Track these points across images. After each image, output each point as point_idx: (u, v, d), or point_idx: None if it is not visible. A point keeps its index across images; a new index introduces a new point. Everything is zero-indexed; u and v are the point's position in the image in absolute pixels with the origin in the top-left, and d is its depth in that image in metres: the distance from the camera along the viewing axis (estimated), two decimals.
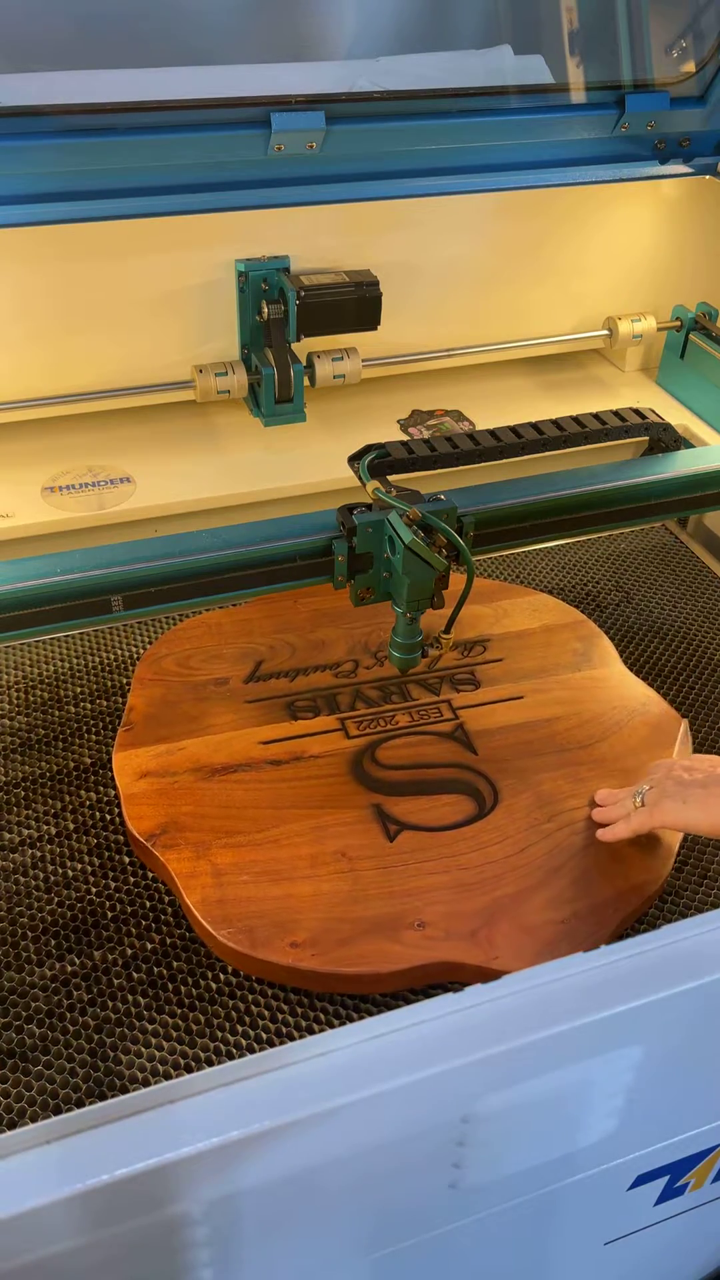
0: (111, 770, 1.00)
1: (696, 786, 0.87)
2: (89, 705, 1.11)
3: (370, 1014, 0.82)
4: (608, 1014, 0.63)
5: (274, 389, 1.35)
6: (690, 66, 1.35)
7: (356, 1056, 0.60)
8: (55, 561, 0.95)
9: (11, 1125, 0.75)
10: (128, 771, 0.98)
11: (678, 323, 1.51)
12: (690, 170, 1.43)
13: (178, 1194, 0.59)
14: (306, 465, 1.35)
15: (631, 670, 1.12)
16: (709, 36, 1.33)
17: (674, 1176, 0.90)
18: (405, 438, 1.13)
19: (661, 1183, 0.90)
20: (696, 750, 1.07)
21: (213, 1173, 0.58)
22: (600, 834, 0.94)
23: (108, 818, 0.98)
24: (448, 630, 1.04)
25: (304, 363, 1.37)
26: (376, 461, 1.09)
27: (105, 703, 1.11)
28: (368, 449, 1.10)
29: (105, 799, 1.00)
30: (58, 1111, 0.76)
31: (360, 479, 1.05)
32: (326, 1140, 0.61)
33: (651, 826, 0.90)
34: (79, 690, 1.12)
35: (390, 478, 1.09)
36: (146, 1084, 0.78)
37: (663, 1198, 0.93)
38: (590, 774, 1.00)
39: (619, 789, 0.98)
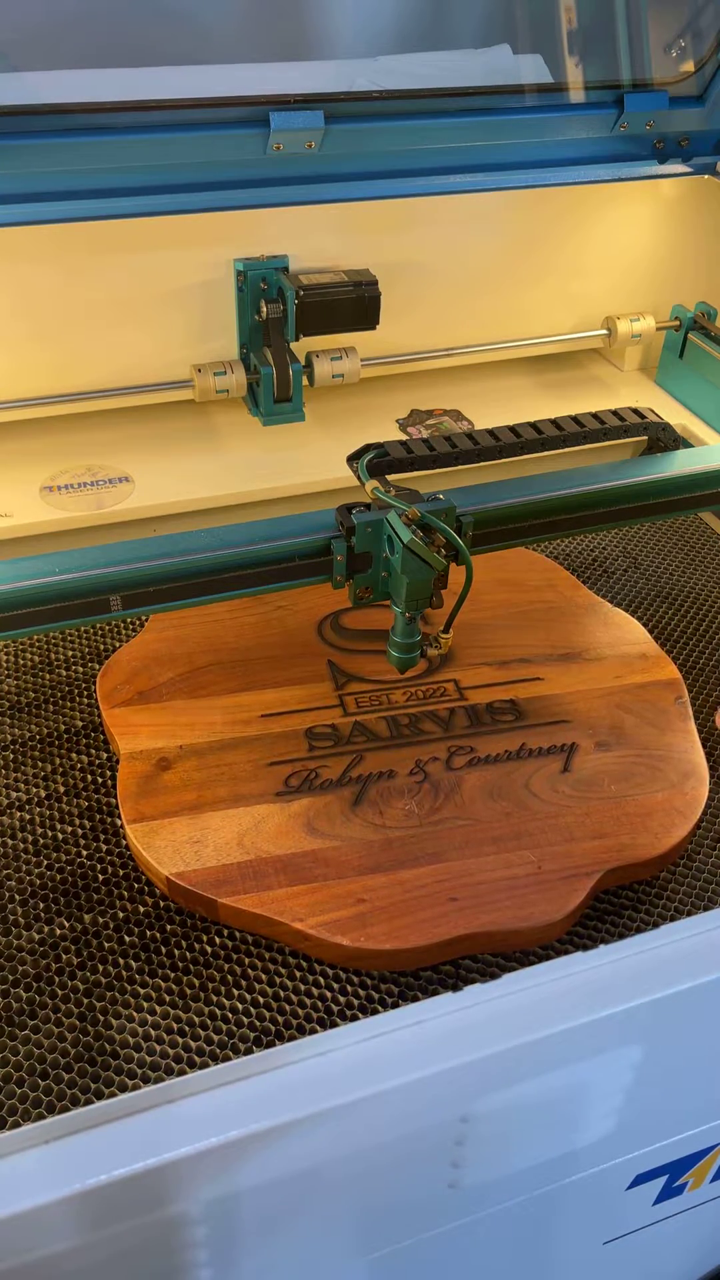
0: (103, 734, 0.99)
1: None
2: (80, 669, 1.10)
3: (370, 981, 0.82)
4: (607, 1014, 0.63)
5: (273, 388, 1.35)
6: (689, 66, 1.35)
7: (356, 1056, 0.61)
8: (54, 561, 0.94)
9: None
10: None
11: (676, 322, 1.51)
12: (689, 170, 1.43)
13: (177, 1194, 0.59)
14: (305, 465, 1.35)
15: None
16: (708, 36, 1.33)
17: (673, 1176, 0.90)
18: (404, 437, 1.13)
19: (660, 1182, 0.90)
20: (696, 717, 1.06)
21: (212, 1173, 0.58)
22: None
23: (99, 780, 0.98)
24: (447, 629, 1.04)
25: (303, 362, 1.37)
26: (375, 461, 1.09)
27: (97, 666, 1.10)
28: (366, 448, 1.10)
29: (96, 762, 1.00)
30: (45, 1076, 0.76)
31: (359, 478, 1.05)
32: (326, 1140, 0.61)
33: None
34: (70, 654, 1.12)
35: (389, 477, 1.09)
36: (138, 1049, 0.78)
37: (661, 1197, 0.93)
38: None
39: None
